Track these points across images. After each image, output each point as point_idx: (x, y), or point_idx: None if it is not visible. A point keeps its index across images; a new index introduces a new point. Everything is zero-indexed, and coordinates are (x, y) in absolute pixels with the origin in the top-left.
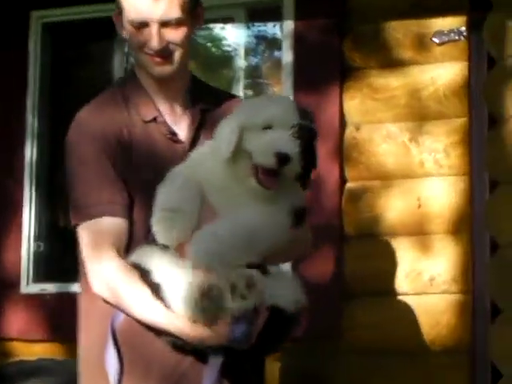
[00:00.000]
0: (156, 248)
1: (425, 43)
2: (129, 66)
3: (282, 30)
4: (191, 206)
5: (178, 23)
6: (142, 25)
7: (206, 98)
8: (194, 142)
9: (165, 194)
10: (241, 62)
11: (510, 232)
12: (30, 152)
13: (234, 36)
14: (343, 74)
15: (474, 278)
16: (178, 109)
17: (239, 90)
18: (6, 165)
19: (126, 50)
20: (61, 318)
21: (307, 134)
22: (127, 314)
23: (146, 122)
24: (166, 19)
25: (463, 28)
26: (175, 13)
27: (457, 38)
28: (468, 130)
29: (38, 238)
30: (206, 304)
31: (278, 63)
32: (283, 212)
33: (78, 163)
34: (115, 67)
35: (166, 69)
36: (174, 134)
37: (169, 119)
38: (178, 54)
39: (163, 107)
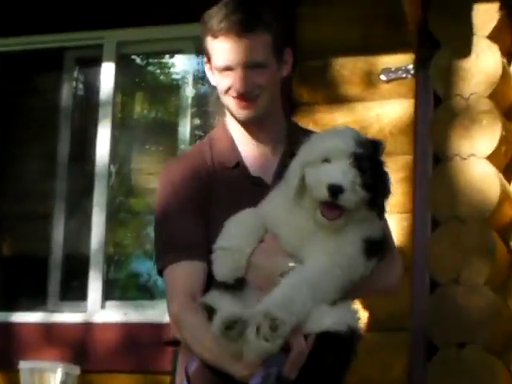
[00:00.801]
0: (223, 290)
1: (372, 80)
2: (77, 100)
3: None
4: (245, 241)
5: (262, 66)
6: (228, 69)
7: (299, 141)
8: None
9: (222, 233)
10: (189, 91)
11: (450, 271)
12: None
13: (182, 65)
14: (291, 109)
15: (412, 315)
16: (268, 152)
17: (187, 119)
18: None
19: (75, 82)
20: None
21: (367, 163)
22: (187, 345)
23: (229, 168)
24: (249, 62)
25: (410, 66)
26: (259, 56)
27: (404, 75)
28: (413, 167)
29: None
30: (229, 335)
31: None
32: (354, 245)
33: (165, 207)
34: (63, 99)
35: (250, 112)
36: (257, 178)
37: (255, 163)
38: (262, 98)
39: (249, 151)
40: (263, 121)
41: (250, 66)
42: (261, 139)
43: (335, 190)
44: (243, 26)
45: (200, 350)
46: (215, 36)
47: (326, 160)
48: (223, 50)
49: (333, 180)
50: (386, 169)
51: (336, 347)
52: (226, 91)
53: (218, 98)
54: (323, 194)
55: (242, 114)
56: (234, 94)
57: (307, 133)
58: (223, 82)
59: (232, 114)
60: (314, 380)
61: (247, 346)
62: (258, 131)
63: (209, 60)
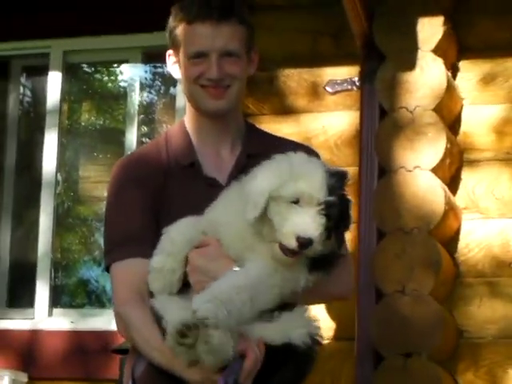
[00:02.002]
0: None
1: (318, 92)
2: (23, 108)
3: None
4: (178, 259)
5: (236, 56)
6: (201, 55)
7: (257, 143)
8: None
9: (157, 247)
10: (136, 99)
11: (395, 281)
12: None
13: (129, 74)
14: None
15: (358, 325)
16: (225, 152)
17: (134, 126)
18: None
19: (22, 90)
20: None
21: (336, 210)
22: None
23: (184, 167)
24: (226, 50)
25: (356, 78)
26: (235, 46)
27: (349, 87)
28: (358, 179)
29: None
30: (183, 342)
31: (172, 100)
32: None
33: (113, 206)
34: (10, 107)
35: (221, 103)
36: (211, 178)
37: (210, 163)
38: (233, 89)
39: (206, 151)
40: (226, 116)
41: (224, 54)
42: (220, 138)
43: (304, 243)
44: (222, 12)
45: (148, 349)
46: (191, 22)
47: (295, 201)
48: (199, 35)
49: (303, 233)
50: (349, 198)
51: (298, 358)
52: (196, 79)
53: (164, 105)
54: (291, 243)
55: (211, 104)
56: (206, 82)
57: (266, 135)
58: (194, 70)
59: (198, 107)
60: None
61: (207, 351)
62: (220, 128)
63: (175, 50)
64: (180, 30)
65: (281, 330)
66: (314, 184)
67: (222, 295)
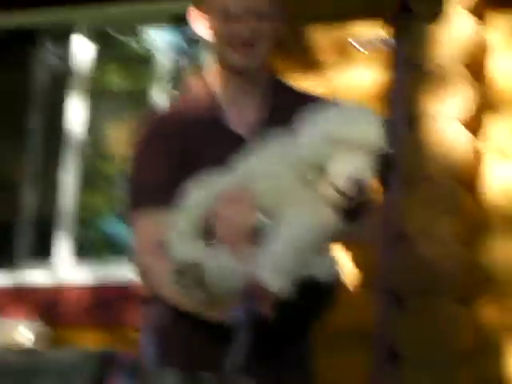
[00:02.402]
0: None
1: (347, 49)
2: (52, 74)
3: None
4: (196, 226)
5: (266, 15)
6: (230, 14)
7: (282, 98)
8: (257, 138)
9: (178, 210)
10: (163, 62)
11: (419, 225)
12: None
13: (157, 37)
14: None
15: (380, 266)
16: (251, 110)
17: (162, 88)
18: None
19: (50, 57)
20: None
21: (389, 162)
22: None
23: (210, 123)
24: (257, 9)
25: (384, 33)
26: (266, 4)
27: (378, 43)
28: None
29: None
30: (183, 281)
31: (199, 62)
32: (328, 209)
33: (140, 161)
34: (38, 74)
35: (246, 61)
36: (236, 135)
37: (236, 120)
38: (263, 47)
39: (232, 108)
40: (254, 74)
41: (257, 14)
42: (246, 95)
43: (359, 189)
44: None
45: (170, 294)
46: None
47: (353, 149)
48: None
49: (354, 174)
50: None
51: (320, 295)
52: (224, 38)
53: (191, 67)
54: (345, 187)
55: (239, 62)
56: (237, 42)
57: (293, 91)
58: (221, 28)
59: (226, 65)
60: (287, 327)
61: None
62: (246, 85)
63: (201, 8)
64: None
65: (305, 266)
66: (374, 132)
67: (284, 263)
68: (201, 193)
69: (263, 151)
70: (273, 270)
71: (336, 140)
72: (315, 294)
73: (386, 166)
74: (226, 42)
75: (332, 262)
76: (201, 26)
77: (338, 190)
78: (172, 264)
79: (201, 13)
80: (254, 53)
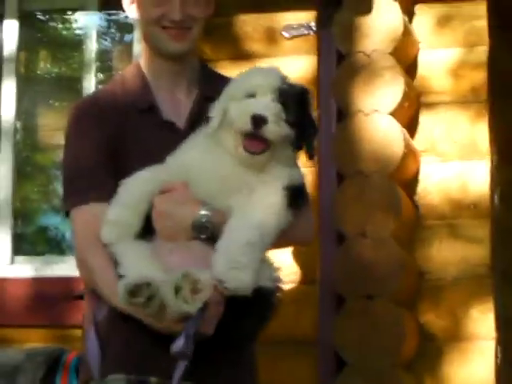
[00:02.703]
0: (136, 242)
1: (274, 37)
2: None
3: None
4: (134, 212)
5: (200, 1)
6: None
7: (213, 85)
8: (193, 130)
9: (114, 200)
10: (92, 46)
11: (356, 224)
12: None
13: (85, 21)
14: None
15: (320, 268)
16: (182, 96)
17: (91, 74)
18: None
19: None
20: None
21: (292, 99)
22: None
23: (142, 111)
24: None
25: (313, 23)
26: None
27: (306, 32)
28: (317, 123)
29: None
30: (134, 301)
31: (129, 47)
32: (277, 192)
33: (71, 146)
34: None
35: (182, 45)
36: (169, 122)
37: (168, 107)
38: (194, 31)
39: (163, 94)
40: (184, 58)
41: None
42: (176, 80)
43: (258, 120)
44: None
45: (110, 294)
46: None
47: (251, 95)
48: None
49: (256, 111)
50: (312, 112)
51: (262, 303)
52: (157, 21)
53: (121, 52)
54: (246, 124)
55: (172, 45)
56: (168, 24)
57: (221, 77)
58: (155, 11)
59: (157, 49)
60: (234, 339)
61: (166, 307)
62: (176, 70)
63: None
64: None
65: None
66: (267, 75)
67: (240, 257)
68: (141, 188)
69: (193, 142)
70: (229, 266)
71: (234, 94)
72: (261, 300)
73: (293, 102)
74: (156, 24)
75: (272, 267)
76: (131, 7)
77: (243, 131)
78: (121, 282)
79: None
80: (186, 36)
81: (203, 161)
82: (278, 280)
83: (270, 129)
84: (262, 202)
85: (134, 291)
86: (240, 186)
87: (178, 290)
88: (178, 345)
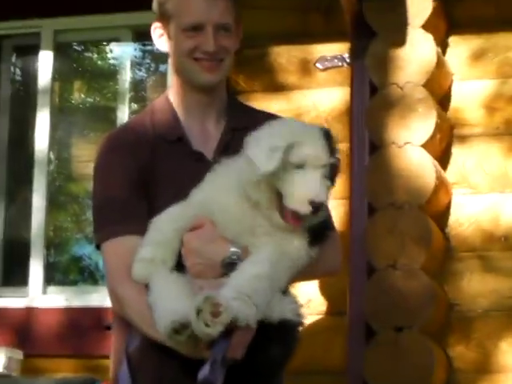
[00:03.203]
0: (171, 274)
1: (308, 68)
2: (15, 87)
3: None
4: (168, 249)
5: (229, 30)
6: (197, 27)
7: (241, 117)
8: (220, 161)
9: (145, 238)
10: (126, 77)
11: (386, 256)
12: None
13: (119, 52)
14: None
15: (350, 300)
16: (211, 126)
17: (125, 104)
18: None
19: (13, 70)
20: None
21: (335, 170)
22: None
23: (171, 142)
24: (221, 23)
25: (346, 54)
26: (228, 19)
27: (340, 64)
28: (349, 155)
29: None
30: (178, 338)
31: (163, 78)
32: (299, 236)
33: (101, 178)
34: (1, 87)
35: (214, 76)
36: (198, 153)
37: (197, 137)
38: (226, 63)
39: (193, 125)
40: (213, 90)
41: (219, 28)
42: (205, 112)
43: (317, 208)
44: None
45: (144, 326)
46: None
47: (300, 165)
48: (195, 7)
49: (316, 197)
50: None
51: (286, 336)
52: (190, 52)
53: (155, 83)
54: (305, 209)
55: (204, 77)
56: (201, 55)
57: (249, 108)
58: (188, 43)
59: (189, 80)
60: (262, 368)
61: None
62: (206, 101)
63: (164, 22)
64: (173, 2)
65: (274, 306)
66: (317, 147)
67: (245, 289)
68: (173, 225)
69: (218, 178)
70: (233, 296)
71: (284, 159)
72: (284, 336)
73: (334, 175)
74: (189, 55)
75: (295, 301)
76: (161, 39)
77: (288, 216)
78: (162, 324)
79: (161, 26)
80: (218, 68)
81: (225, 201)
82: (301, 314)
83: (322, 213)
84: (283, 243)
85: (178, 329)
86: (261, 230)
87: (199, 312)
88: (204, 372)
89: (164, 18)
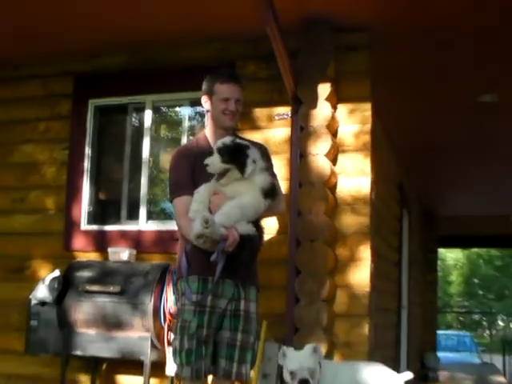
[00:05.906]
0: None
1: (271, 118)
2: (134, 133)
3: None
4: (203, 206)
5: (240, 101)
6: (227, 99)
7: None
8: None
9: (193, 199)
10: (186, 125)
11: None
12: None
13: (183, 111)
14: None
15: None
16: None
17: (184, 138)
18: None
19: (133, 120)
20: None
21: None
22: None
23: (206, 154)
24: (238, 97)
25: (289, 112)
26: (241, 96)
27: (286, 116)
28: (290, 160)
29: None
30: (202, 240)
31: (203, 124)
32: (259, 193)
33: (173, 168)
34: (127, 133)
35: (233, 123)
36: None
37: None
38: (237, 117)
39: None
40: (230, 129)
41: (237, 99)
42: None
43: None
44: (238, 79)
45: (189, 236)
46: (223, 82)
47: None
48: (227, 89)
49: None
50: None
51: (251, 242)
52: (223, 110)
53: (200, 127)
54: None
55: (229, 123)
56: (228, 112)
57: (242, 138)
58: (222, 105)
59: (219, 124)
60: (243, 257)
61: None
62: (226, 134)
63: (209, 95)
64: (214, 86)
65: (245, 227)
66: (259, 159)
67: (227, 211)
68: (205, 193)
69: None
70: (220, 213)
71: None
72: (253, 239)
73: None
74: (222, 112)
75: (252, 227)
76: (206, 104)
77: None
78: (193, 233)
79: (206, 97)
80: (235, 119)
81: (231, 188)
82: (254, 232)
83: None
84: (251, 195)
85: (198, 236)
86: (242, 191)
87: (202, 223)
88: (214, 256)
89: (209, 93)
